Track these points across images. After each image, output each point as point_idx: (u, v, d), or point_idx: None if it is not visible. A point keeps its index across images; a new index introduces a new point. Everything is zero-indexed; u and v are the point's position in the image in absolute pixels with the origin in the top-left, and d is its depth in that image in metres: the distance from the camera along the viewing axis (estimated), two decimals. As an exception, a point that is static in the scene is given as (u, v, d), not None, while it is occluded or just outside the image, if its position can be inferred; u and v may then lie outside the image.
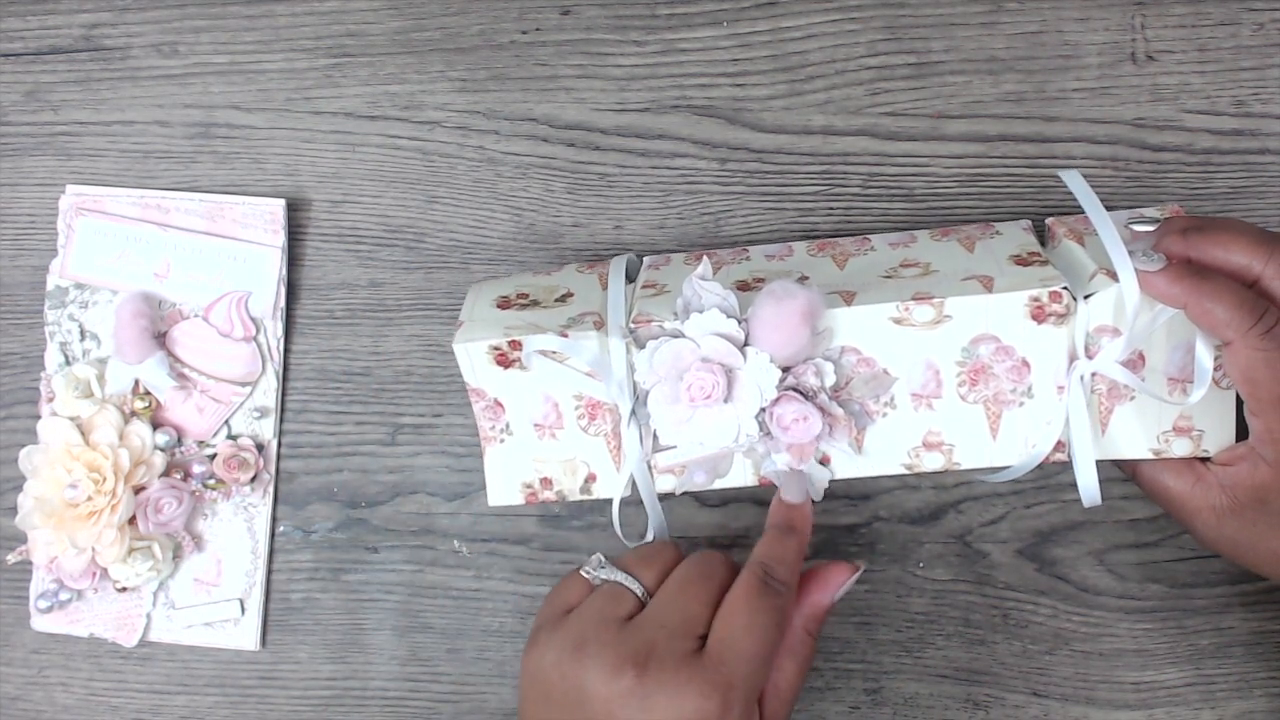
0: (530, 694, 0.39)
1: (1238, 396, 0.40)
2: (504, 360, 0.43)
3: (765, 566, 0.39)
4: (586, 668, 0.37)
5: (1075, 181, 0.42)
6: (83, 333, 0.51)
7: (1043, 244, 0.45)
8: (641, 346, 0.42)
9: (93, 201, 0.51)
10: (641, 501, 0.43)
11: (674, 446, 0.42)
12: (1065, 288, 0.40)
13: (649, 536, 0.44)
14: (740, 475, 0.43)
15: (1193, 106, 0.50)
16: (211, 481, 0.50)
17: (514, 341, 0.42)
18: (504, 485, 0.45)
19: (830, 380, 0.41)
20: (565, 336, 0.42)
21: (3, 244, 0.52)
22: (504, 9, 0.51)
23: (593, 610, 0.39)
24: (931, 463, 0.43)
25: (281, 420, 0.51)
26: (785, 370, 0.41)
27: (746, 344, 0.41)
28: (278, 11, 0.52)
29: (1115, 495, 0.49)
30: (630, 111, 0.51)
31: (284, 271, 0.51)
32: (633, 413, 0.42)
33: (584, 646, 0.37)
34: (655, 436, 0.43)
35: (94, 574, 0.49)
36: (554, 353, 0.42)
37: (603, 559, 0.41)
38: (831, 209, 0.50)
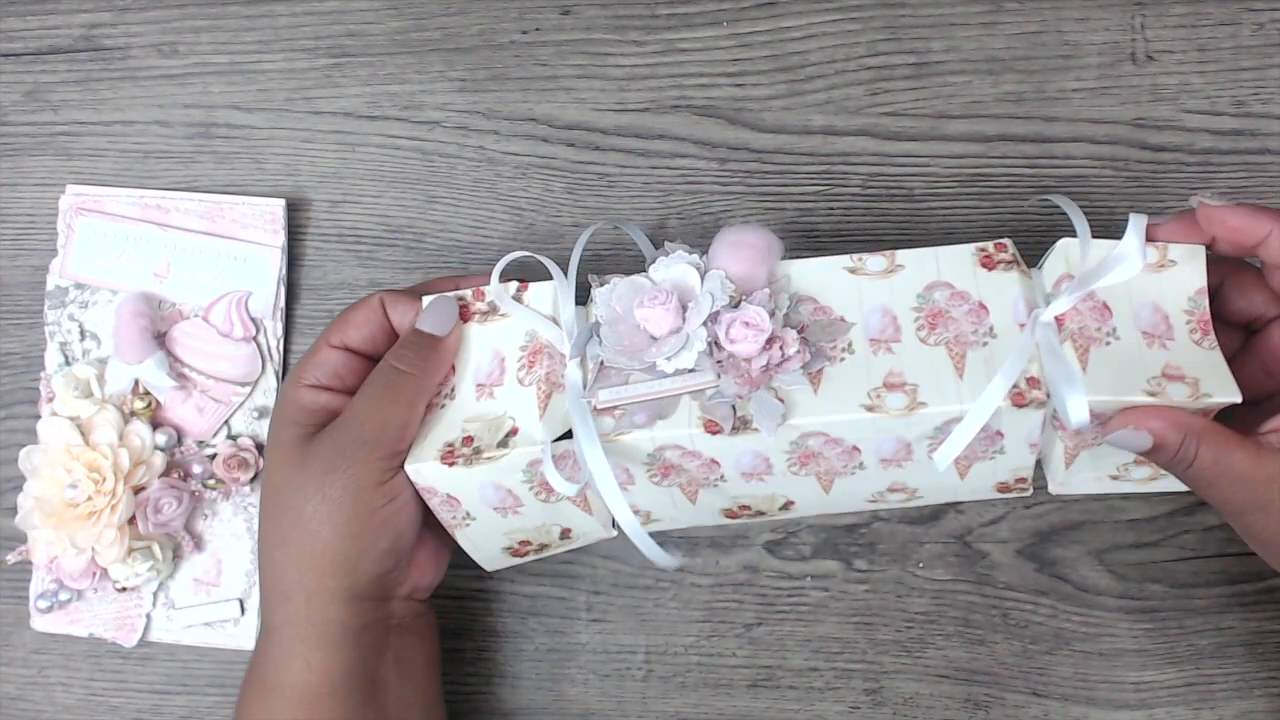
0: None
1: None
2: (465, 312, 0.44)
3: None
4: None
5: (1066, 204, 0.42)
6: (83, 333, 0.51)
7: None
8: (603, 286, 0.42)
9: (93, 201, 0.51)
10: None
11: (620, 381, 0.41)
12: (1009, 241, 0.42)
13: (584, 479, 0.41)
14: (683, 419, 0.40)
15: (1193, 106, 0.50)
16: (211, 481, 0.50)
17: (479, 290, 0.43)
18: (425, 446, 0.42)
19: (784, 308, 0.41)
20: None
21: (3, 244, 0.52)
22: (504, 9, 0.51)
23: None
24: (895, 403, 0.40)
25: (281, 420, 0.51)
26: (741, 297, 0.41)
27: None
28: (278, 11, 0.52)
29: (1115, 495, 0.49)
30: (630, 111, 0.51)
31: (284, 271, 0.51)
32: (578, 347, 0.41)
33: None
34: (601, 367, 0.41)
35: (94, 574, 0.49)
36: (518, 293, 0.43)
37: None
38: (831, 209, 0.50)
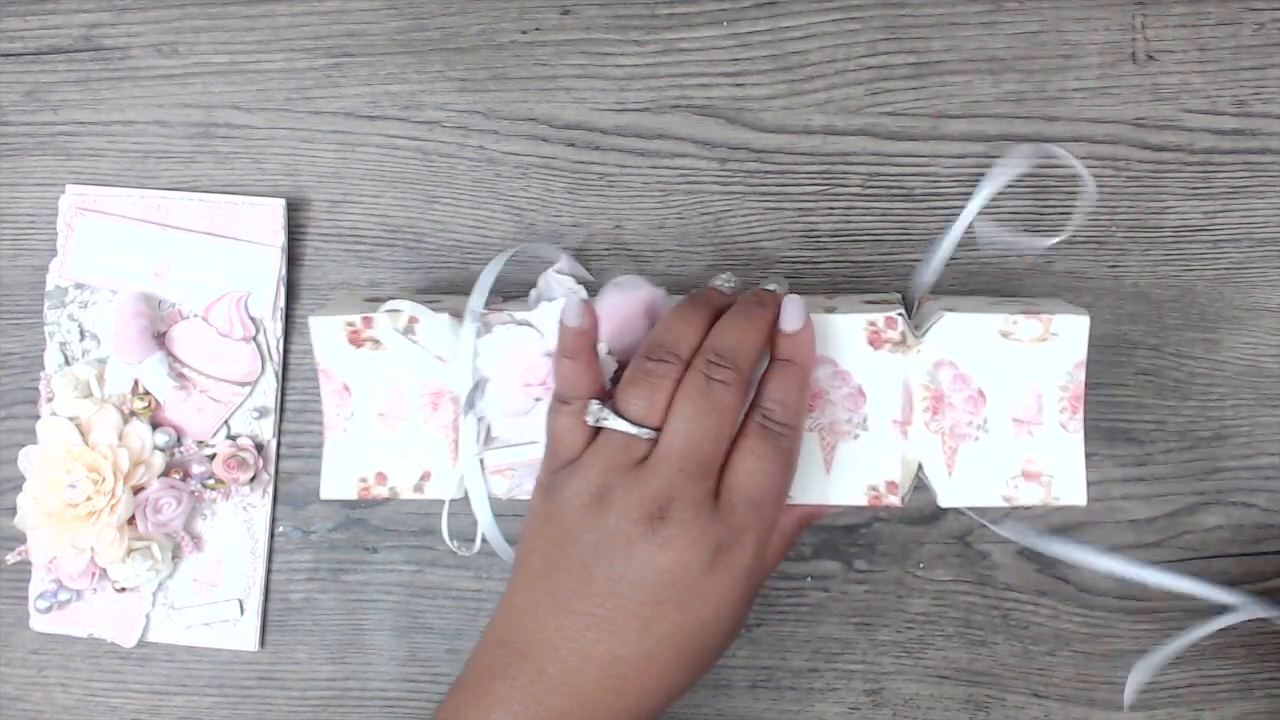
0: (540, 539, 0.39)
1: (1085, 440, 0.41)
2: (357, 338, 0.43)
3: (764, 410, 0.39)
4: (609, 512, 0.38)
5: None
6: (82, 333, 0.51)
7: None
8: (489, 332, 0.42)
9: (93, 201, 0.51)
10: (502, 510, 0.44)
11: (508, 444, 0.43)
12: (901, 314, 0.41)
13: (477, 542, 0.44)
14: None
15: (1193, 106, 0.49)
16: (211, 481, 0.50)
17: (368, 318, 0.43)
18: (339, 477, 0.45)
19: None
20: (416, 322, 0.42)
21: (3, 244, 0.53)
22: (504, 9, 0.51)
23: (606, 456, 0.38)
24: None
25: (281, 420, 0.51)
26: (621, 367, 0.41)
27: None
28: (278, 11, 0.52)
29: (1115, 496, 0.49)
30: (630, 111, 0.51)
31: (284, 271, 0.51)
32: (470, 403, 0.42)
33: (607, 492, 0.38)
34: (489, 431, 0.43)
35: (93, 574, 0.49)
36: (408, 327, 0.43)
37: (601, 405, 0.39)
38: (831, 209, 0.50)
